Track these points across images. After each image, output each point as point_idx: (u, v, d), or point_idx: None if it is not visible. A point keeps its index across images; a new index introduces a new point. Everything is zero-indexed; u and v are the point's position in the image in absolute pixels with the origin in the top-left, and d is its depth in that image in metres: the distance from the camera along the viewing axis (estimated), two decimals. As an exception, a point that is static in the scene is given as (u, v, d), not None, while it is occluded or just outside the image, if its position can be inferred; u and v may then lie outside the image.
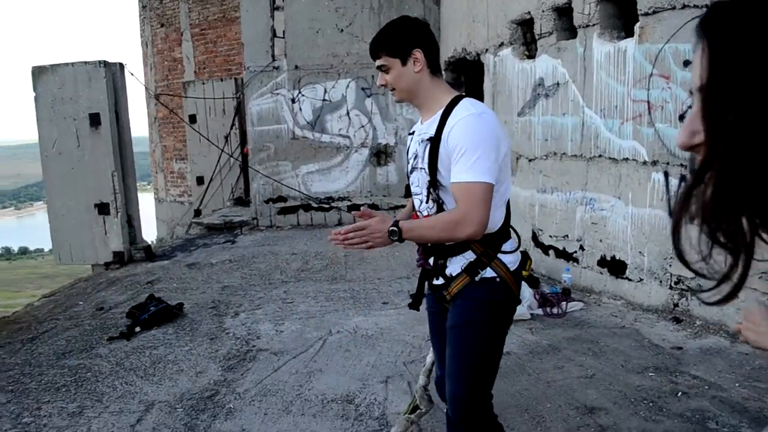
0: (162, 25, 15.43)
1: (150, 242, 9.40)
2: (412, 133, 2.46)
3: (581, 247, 6.09)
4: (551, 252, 6.45)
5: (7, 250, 55.37)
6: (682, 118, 4.97)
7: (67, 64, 8.25)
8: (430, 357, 3.26)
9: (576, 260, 6.15)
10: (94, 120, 8.12)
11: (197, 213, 12.00)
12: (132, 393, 4.16)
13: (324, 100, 10.22)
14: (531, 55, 6.81)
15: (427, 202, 2.34)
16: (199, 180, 12.51)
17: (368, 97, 10.23)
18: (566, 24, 6.16)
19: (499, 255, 2.32)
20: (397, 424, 3.39)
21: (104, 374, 4.51)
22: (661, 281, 5.29)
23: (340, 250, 8.21)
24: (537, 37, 6.54)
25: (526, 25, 6.78)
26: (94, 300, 6.56)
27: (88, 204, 8.21)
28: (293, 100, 10.20)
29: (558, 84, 6.21)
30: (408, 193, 2.55)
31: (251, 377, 4.32)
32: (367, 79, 10.17)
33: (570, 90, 6.06)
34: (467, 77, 9.60)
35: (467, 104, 2.25)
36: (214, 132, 12.19)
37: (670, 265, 5.18)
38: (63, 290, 7.31)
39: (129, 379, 4.39)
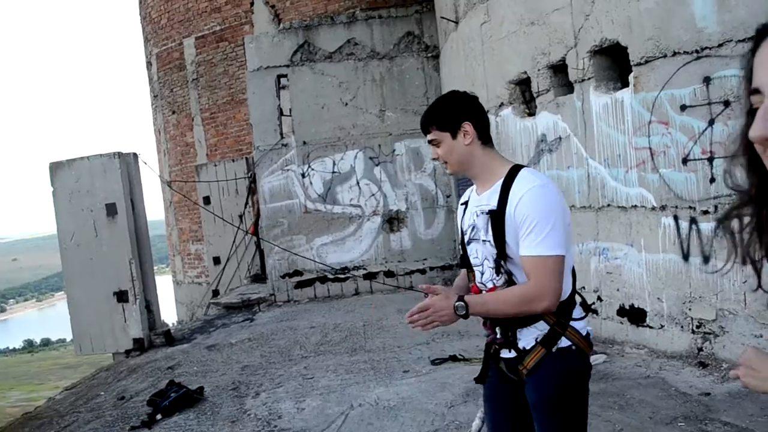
0: (173, 112, 15.88)
1: (170, 325, 9.43)
2: (464, 203, 2.46)
3: (599, 298, 6.03)
4: (570, 306, 6.39)
5: (30, 342, 55.40)
6: (685, 161, 5.00)
7: (82, 158, 8.50)
8: (475, 424, 3.22)
9: (595, 312, 6.08)
10: (111, 210, 8.31)
11: (215, 293, 12.05)
12: (154, 483, 4.11)
13: (333, 172, 10.39)
14: (531, 113, 6.91)
15: (497, 274, 2.30)
16: (216, 260, 12.62)
17: (376, 165, 10.39)
18: (563, 80, 6.28)
19: (571, 322, 2.29)
20: None
21: (127, 465, 4.47)
22: (682, 326, 5.21)
23: (357, 320, 8.19)
24: (535, 95, 6.66)
25: (524, 84, 6.91)
26: (115, 389, 6.55)
27: (107, 293, 8.31)
28: (303, 175, 10.38)
29: (560, 138, 6.28)
30: (463, 264, 2.48)
31: (274, 458, 4.26)
32: (374, 148, 10.36)
33: (572, 143, 6.12)
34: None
35: (528, 175, 2.26)
36: (228, 212, 12.37)
37: (690, 309, 5.12)
38: (84, 381, 7.32)
39: (151, 469, 4.35)
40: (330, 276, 10.43)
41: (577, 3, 5.79)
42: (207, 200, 12.71)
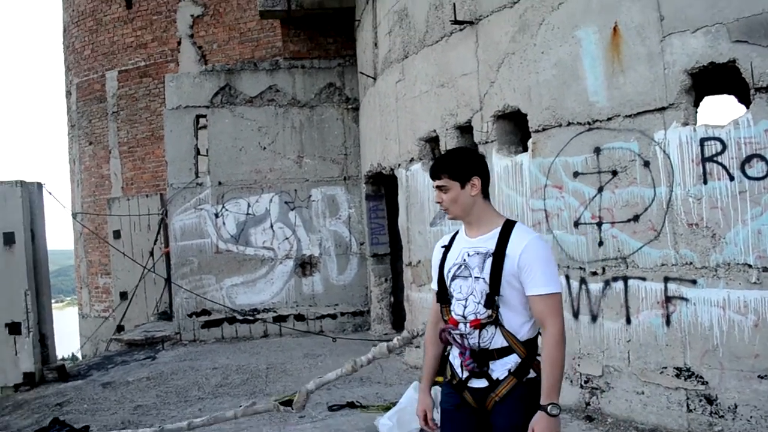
0: (90, 143, 15.59)
1: (65, 360, 9.09)
2: (445, 246, 2.80)
3: (494, 352, 6.22)
4: (467, 357, 6.56)
5: None
6: (576, 224, 5.32)
7: (-18, 184, 8.23)
8: (332, 374, 3.33)
9: (490, 365, 6.26)
10: (8, 239, 8.08)
11: (120, 329, 11.70)
12: None
13: (248, 213, 10.38)
14: (440, 170, 7.17)
15: (486, 308, 2.59)
16: (123, 295, 12.29)
17: (291, 210, 10.46)
18: (468, 141, 6.58)
19: (537, 357, 2.61)
20: (265, 403, 3.35)
21: (-2, 506, 4.28)
22: (572, 381, 5.45)
23: (262, 363, 8.12)
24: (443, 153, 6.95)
25: (433, 141, 7.19)
26: (-3, 426, 6.25)
27: (-1, 323, 7.98)
28: (217, 215, 10.32)
29: (465, 195, 6.53)
30: (440, 299, 2.76)
31: (155, 501, 4.18)
32: (290, 193, 10.45)
33: (476, 200, 6.37)
34: (386, 189, 9.97)
35: (525, 228, 2.70)
36: (138, 247, 12.13)
37: (579, 365, 5.36)
38: (-36, 418, 6.94)
39: None
40: (239, 317, 10.32)
41: (483, 70, 6.14)
42: (117, 234, 12.44)
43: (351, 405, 6.06)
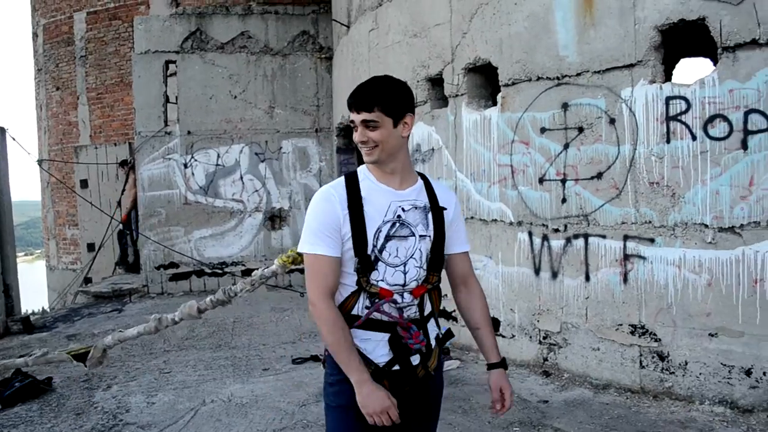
0: (57, 89, 15.14)
1: (29, 312, 9.00)
2: (351, 200, 2.16)
3: (459, 306, 6.25)
4: (433, 312, 6.58)
5: None
6: (541, 181, 5.30)
7: (-58, 130, 7.98)
8: (134, 330, 3.30)
9: (455, 319, 6.31)
10: (-30, 187, 7.85)
11: (87, 281, 11.58)
12: (-20, 476, 3.93)
13: (217, 164, 10.23)
14: (409, 122, 7.07)
15: (431, 270, 2.26)
16: (90, 247, 12.13)
17: (262, 161, 10.32)
18: (439, 94, 6.48)
19: None
20: (58, 353, 3.39)
21: (-46, 457, 4.25)
22: (531, 337, 5.51)
23: (229, 316, 8.09)
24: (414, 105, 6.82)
25: (404, 93, 7.05)
26: (-42, 377, 6.18)
27: (-38, 274, 7.84)
28: (186, 165, 10.15)
29: (433, 149, 6.48)
30: (366, 267, 2.16)
31: (113, 452, 4.17)
32: (261, 144, 10.28)
33: (444, 155, 6.33)
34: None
35: (436, 180, 2.42)
36: (107, 197, 11.91)
37: (538, 321, 5.42)
38: (-75, 368, 6.85)
39: (-21, 462, 4.15)
40: (207, 270, 10.27)
41: (456, 20, 6.00)
42: (85, 183, 12.20)
43: (315, 358, 6.08)
